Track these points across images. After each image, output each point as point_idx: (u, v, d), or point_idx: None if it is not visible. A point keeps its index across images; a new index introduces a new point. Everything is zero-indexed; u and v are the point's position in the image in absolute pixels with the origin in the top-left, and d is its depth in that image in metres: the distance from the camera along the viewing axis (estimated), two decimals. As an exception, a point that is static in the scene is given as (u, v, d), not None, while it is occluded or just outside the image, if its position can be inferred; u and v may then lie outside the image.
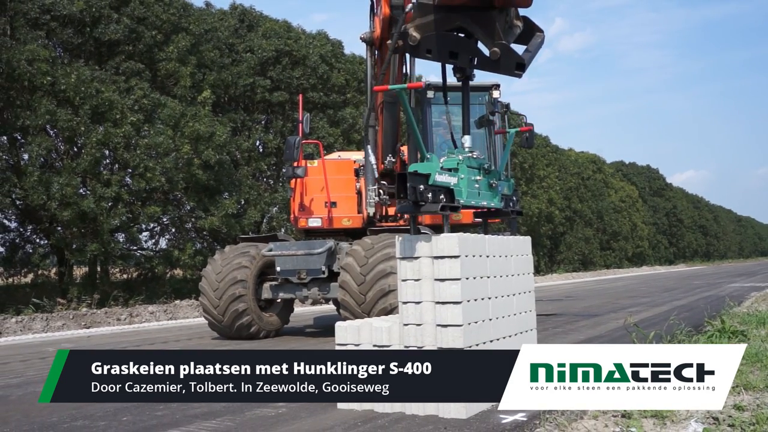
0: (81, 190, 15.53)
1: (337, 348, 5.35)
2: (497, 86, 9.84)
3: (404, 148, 10.44)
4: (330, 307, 12.92)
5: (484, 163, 5.99)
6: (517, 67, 5.33)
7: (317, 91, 21.49)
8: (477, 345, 5.11)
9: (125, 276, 18.57)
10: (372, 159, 10.05)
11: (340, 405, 5.28)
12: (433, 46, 5.48)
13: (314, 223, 10.38)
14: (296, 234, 11.01)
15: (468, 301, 5.02)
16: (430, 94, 9.99)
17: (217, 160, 17.48)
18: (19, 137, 15.42)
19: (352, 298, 8.81)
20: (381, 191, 9.78)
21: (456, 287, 4.93)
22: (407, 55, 9.44)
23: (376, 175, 10.01)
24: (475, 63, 5.48)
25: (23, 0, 15.24)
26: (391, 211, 10.15)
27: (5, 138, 14.98)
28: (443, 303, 4.97)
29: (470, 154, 5.73)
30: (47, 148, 14.96)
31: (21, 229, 16.41)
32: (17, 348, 10.17)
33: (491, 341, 5.36)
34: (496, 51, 5.26)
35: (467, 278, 5.04)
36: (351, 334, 5.34)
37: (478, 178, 5.76)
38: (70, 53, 16.57)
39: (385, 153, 10.24)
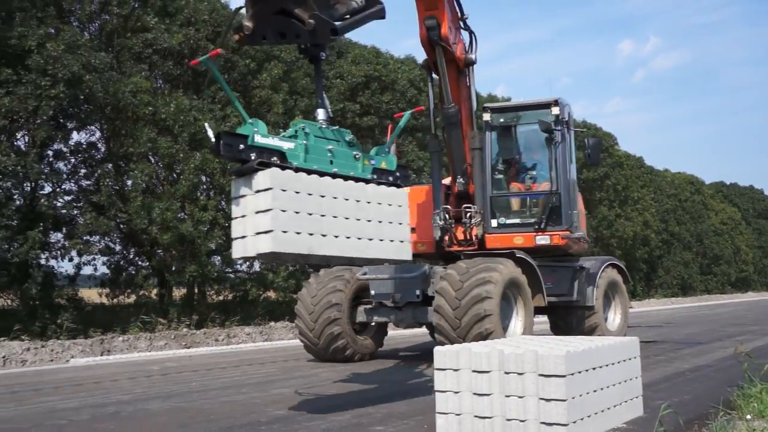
0: (180, 215, 16.09)
1: (436, 372, 5.31)
2: (556, 102, 9.78)
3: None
4: (423, 331, 12.85)
5: (345, 134, 6.34)
6: (331, 32, 5.82)
7: (406, 115, 21.58)
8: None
9: (221, 298, 19.03)
10: (438, 183, 10.11)
11: (439, 430, 5.23)
12: (267, 32, 6.00)
13: None
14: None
15: (283, 231, 5.44)
16: (486, 116, 10.24)
17: (313, 183, 17.74)
18: (123, 164, 16.15)
19: (447, 323, 8.73)
20: (446, 216, 9.87)
21: (267, 218, 5.42)
22: (468, 71, 9.97)
23: (441, 200, 10.09)
24: (300, 38, 5.96)
25: (128, 36, 16.06)
26: (460, 234, 10.12)
27: (111, 165, 15.69)
28: (257, 234, 5.52)
29: (322, 125, 6.17)
30: (149, 174, 15.60)
31: (125, 252, 17.11)
32: (125, 366, 10.59)
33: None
34: (310, 22, 5.71)
35: (283, 210, 5.43)
36: (450, 358, 5.28)
37: (329, 147, 6.11)
38: (170, 84, 17.30)
39: (456, 175, 10.26)
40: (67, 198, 15.33)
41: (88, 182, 15.71)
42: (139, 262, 17.17)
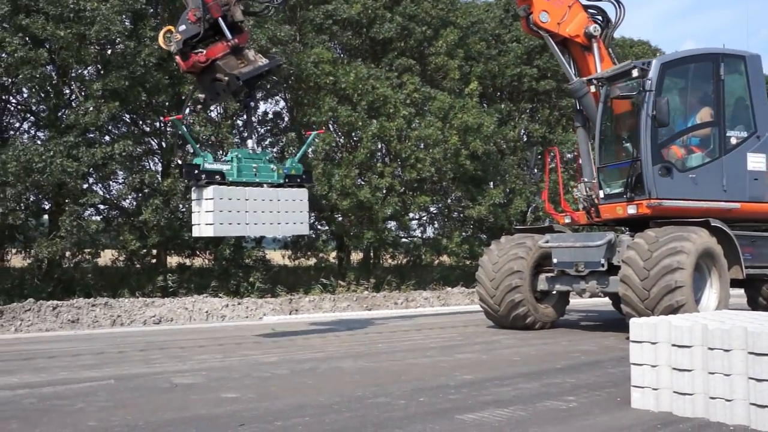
0: (358, 181, 16.60)
1: (632, 344, 5.16)
2: (634, 67, 9.14)
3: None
4: (603, 301, 12.49)
5: (266, 155, 9.65)
6: (237, 79, 8.84)
7: (585, 78, 20.80)
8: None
9: (395, 262, 19.51)
10: (587, 156, 10.28)
11: (635, 404, 5.09)
12: (212, 96, 9.19)
13: (567, 219, 10.69)
14: (572, 225, 10.91)
15: (220, 223, 8.91)
16: (592, 88, 10.03)
17: (484, 150, 17.68)
18: (304, 133, 16.88)
19: (634, 294, 8.42)
20: (587, 188, 9.75)
21: (210, 215, 8.91)
22: (593, 43, 10.29)
23: (584, 173, 10.29)
24: (225, 91, 9.01)
25: (310, 8, 16.67)
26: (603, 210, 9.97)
27: (294, 134, 16.45)
28: (207, 224, 9.04)
29: (250, 151, 9.47)
30: (329, 142, 16.20)
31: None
32: (313, 325, 11.18)
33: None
34: (225, 79, 8.88)
35: (220, 211, 8.87)
36: (647, 331, 5.11)
37: (254, 165, 9.30)
38: (349, 53, 17.79)
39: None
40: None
41: (273, 150, 16.58)
42: (320, 227, 17.95)
